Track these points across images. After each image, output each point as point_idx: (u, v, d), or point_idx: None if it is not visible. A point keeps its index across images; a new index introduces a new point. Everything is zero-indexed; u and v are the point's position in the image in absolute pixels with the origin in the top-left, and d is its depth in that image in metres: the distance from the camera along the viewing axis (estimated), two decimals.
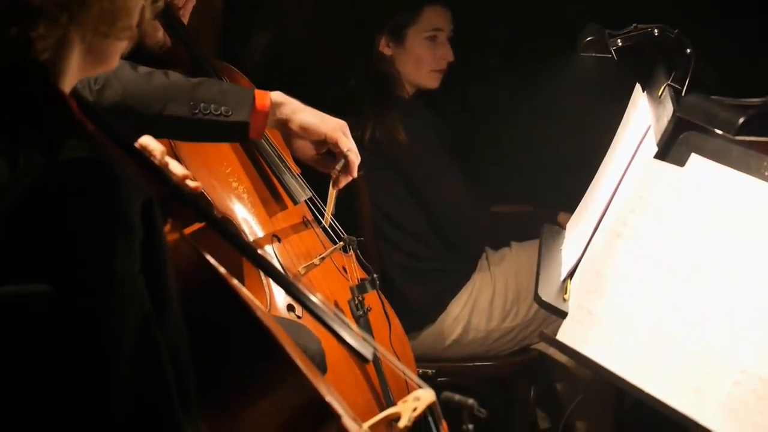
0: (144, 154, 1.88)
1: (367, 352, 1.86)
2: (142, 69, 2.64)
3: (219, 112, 2.62)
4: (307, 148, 2.82)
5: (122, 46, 1.68)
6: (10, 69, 1.58)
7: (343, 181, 2.85)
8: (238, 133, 2.68)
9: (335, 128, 2.77)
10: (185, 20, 3.07)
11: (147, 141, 2.11)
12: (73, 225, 1.50)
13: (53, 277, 1.48)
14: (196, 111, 2.61)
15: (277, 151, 3.07)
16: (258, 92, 2.69)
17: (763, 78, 3.41)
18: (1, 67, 1.58)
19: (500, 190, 4.20)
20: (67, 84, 1.65)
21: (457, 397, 2.01)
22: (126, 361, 1.52)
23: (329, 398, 1.80)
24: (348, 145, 2.78)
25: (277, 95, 2.72)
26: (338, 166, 2.79)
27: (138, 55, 1.95)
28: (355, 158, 2.81)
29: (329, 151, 2.87)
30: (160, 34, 1.73)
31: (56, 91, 1.62)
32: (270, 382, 1.82)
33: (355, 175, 2.83)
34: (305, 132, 2.74)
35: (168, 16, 2.94)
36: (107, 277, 1.51)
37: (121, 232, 1.52)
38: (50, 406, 1.51)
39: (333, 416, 1.79)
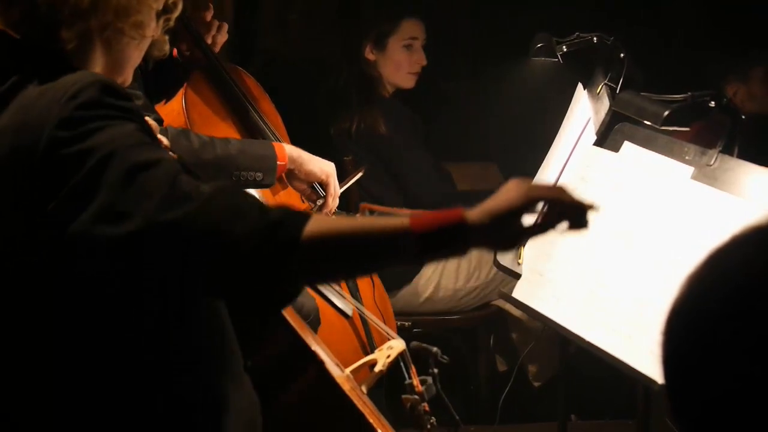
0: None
1: (347, 310, 1.84)
2: (194, 140, 2.58)
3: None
4: (301, 185, 2.81)
5: (135, 54, 1.60)
6: (41, 54, 1.52)
7: (324, 210, 2.84)
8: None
9: (329, 173, 2.79)
10: (216, 48, 3.00)
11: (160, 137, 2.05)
12: None
13: None
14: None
15: (277, 138, 3.02)
16: (278, 148, 2.69)
17: (684, 77, 3.40)
18: (33, 52, 1.52)
19: (465, 171, 4.18)
20: None
21: (423, 346, 1.99)
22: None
23: (315, 347, 1.79)
24: (332, 190, 2.79)
25: (291, 150, 2.73)
26: (318, 203, 2.81)
27: (163, 62, 1.88)
28: (331, 201, 2.80)
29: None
30: (167, 47, 1.67)
31: None
32: (270, 336, 1.82)
33: (329, 207, 2.82)
34: (308, 177, 2.77)
35: (190, 28, 2.89)
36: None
37: None
38: None
39: (317, 362, 1.78)
